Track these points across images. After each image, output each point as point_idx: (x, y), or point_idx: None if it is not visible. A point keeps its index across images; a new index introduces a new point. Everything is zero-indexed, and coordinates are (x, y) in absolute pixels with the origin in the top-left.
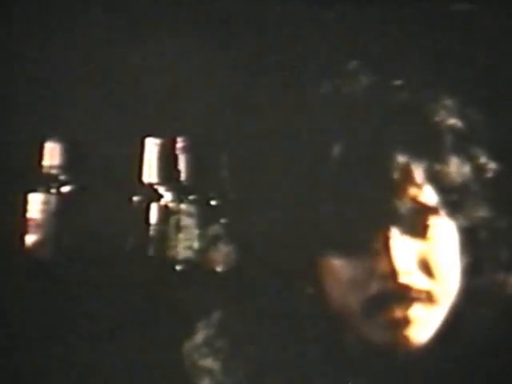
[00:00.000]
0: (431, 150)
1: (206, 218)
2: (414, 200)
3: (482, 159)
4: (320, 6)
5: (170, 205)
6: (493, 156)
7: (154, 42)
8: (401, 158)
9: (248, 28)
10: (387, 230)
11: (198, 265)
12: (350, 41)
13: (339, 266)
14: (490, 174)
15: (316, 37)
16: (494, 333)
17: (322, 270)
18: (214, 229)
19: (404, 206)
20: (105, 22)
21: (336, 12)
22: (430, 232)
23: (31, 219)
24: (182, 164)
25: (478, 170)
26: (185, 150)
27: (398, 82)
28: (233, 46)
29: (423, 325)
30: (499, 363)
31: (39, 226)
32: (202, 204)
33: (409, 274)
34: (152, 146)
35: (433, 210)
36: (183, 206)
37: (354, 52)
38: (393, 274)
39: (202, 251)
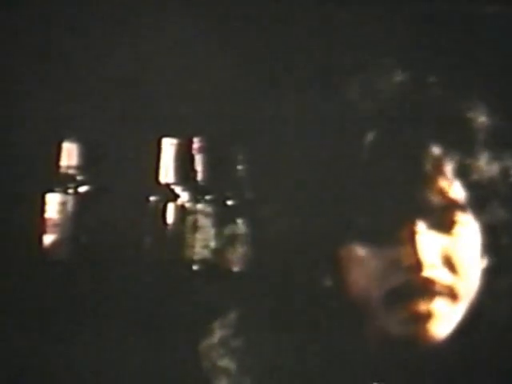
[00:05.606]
0: (463, 144)
1: (222, 217)
2: (443, 194)
3: (509, 162)
4: (355, 4)
5: (187, 205)
6: None
7: (172, 43)
8: (434, 150)
9: (269, 28)
10: (414, 222)
11: (215, 264)
12: (386, 38)
13: (364, 255)
14: None
15: (351, 34)
16: None
17: (345, 259)
18: (231, 228)
19: (433, 200)
20: (122, 24)
21: (371, 10)
22: (456, 228)
23: (49, 219)
24: (198, 164)
25: (505, 171)
26: (201, 150)
27: (431, 79)
28: (252, 46)
29: (444, 319)
30: None
31: (57, 225)
32: (218, 204)
33: (433, 268)
34: (169, 147)
35: (460, 207)
36: (200, 206)
37: (389, 49)
38: (417, 266)
39: (219, 251)
